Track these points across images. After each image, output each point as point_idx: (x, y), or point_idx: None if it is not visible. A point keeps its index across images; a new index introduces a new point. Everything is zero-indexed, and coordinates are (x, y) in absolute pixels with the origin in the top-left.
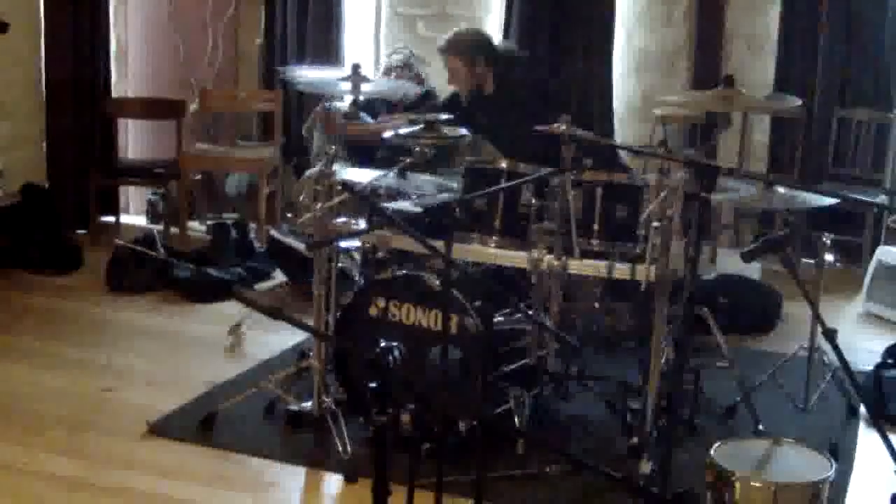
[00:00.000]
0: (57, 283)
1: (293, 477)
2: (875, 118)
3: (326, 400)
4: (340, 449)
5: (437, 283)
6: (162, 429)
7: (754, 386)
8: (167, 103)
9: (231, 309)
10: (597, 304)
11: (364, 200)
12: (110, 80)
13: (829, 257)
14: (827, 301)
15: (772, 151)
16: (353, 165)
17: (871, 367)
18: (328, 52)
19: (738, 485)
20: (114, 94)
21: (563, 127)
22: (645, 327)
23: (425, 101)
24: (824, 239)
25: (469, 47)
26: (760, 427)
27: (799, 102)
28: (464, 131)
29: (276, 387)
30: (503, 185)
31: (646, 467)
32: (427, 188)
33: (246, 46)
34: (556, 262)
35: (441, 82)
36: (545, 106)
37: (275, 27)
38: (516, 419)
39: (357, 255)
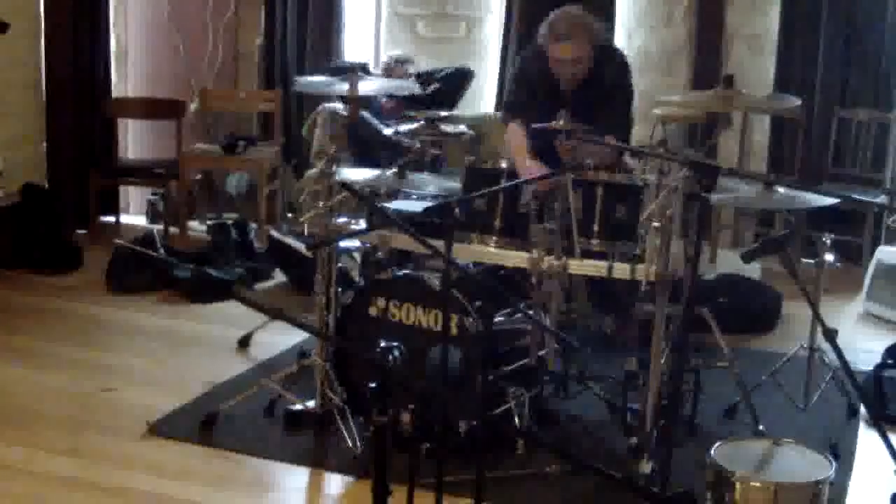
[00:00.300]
0: (57, 283)
1: (293, 477)
2: (875, 118)
3: (333, 397)
4: (350, 444)
5: (437, 283)
6: (162, 429)
7: (754, 386)
8: (167, 103)
9: (231, 309)
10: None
11: (363, 200)
12: (110, 80)
13: (829, 257)
14: (827, 301)
15: (772, 151)
16: (356, 165)
17: (871, 367)
18: (328, 52)
19: (738, 485)
20: (114, 94)
21: (562, 122)
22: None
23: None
24: (824, 239)
25: (597, 33)
26: (760, 427)
27: (799, 102)
28: (463, 128)
29: (279, 386)
30: (503, 185)
31: (646, 467)
32: (428, 187)
33: (246, 46)
34: (556, 262)
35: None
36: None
37: (275, 27)
38: (516, 419)
39: (357, 256)
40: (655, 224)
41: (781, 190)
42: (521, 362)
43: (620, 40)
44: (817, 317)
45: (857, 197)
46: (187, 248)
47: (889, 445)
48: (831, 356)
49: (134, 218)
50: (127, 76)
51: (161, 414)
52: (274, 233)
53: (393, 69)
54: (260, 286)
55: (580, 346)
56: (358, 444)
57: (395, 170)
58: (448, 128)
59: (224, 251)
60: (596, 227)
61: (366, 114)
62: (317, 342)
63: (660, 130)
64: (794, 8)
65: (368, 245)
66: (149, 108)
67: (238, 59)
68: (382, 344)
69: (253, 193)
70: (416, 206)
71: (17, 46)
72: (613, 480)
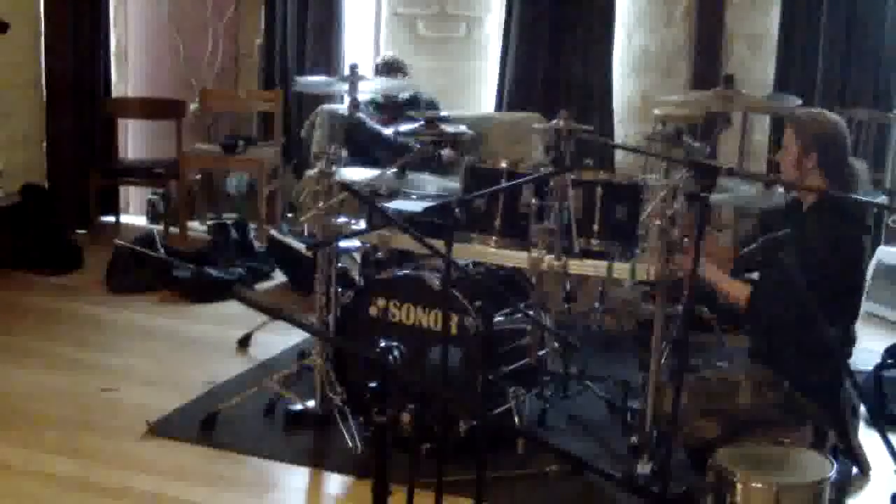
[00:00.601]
0: (57, 283)
1: (293, 477)
2: (875, 118)
3: (333, 397)
4: (351, 445)
5: (437, 283)
6: (162, 429)
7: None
8: (167, 103)
9: (231, 309)
10: (597, 304)
11: (363, 200)
12: (110, 80)
13: None
14: None
15: (772, 151)
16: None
17: (871, 368)
18: (328, 52)
19: (739, 486)
20: (114, 94)
21: (562, 122)
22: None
23: (415, 102)
24: None
25: (813, 136)
26: None
27: (799, 102)
28: (464, 128)
29: (279, 386)
30: (503, 185)
31: (646, 467)
32: (428, 187)
33: (246, 46)
34: (556, 262)
35: (421, 83)
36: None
37: (275, 27)
38: (516, 419)
39: (357, 256)
40: (657, 222)
41: (781, 190)
42: (521, 362)
43: (620, 40)
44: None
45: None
46: (187, 248)
47: (889, 445)
48: None
49: (134, 218)
50: (127, 76)
51: (161, 414)
52: (274, 233)
53: (383, 73)
54: (260, 286)
55: (580, 346)
56: (358, 444)
57: (395, 170)
58: (449, 128)
59: (224, 251)
60: (596, 227)
61: (363, 115)
62: (317, 342)
63: (660, 130)
64: (794, 8)
65: (368, 245)
66: (149, 108)
67: (238, 59)
68: (382, 344)
69: (253, 193)
70: (416, 206)
71: (17, 46)
72: (613, 480)
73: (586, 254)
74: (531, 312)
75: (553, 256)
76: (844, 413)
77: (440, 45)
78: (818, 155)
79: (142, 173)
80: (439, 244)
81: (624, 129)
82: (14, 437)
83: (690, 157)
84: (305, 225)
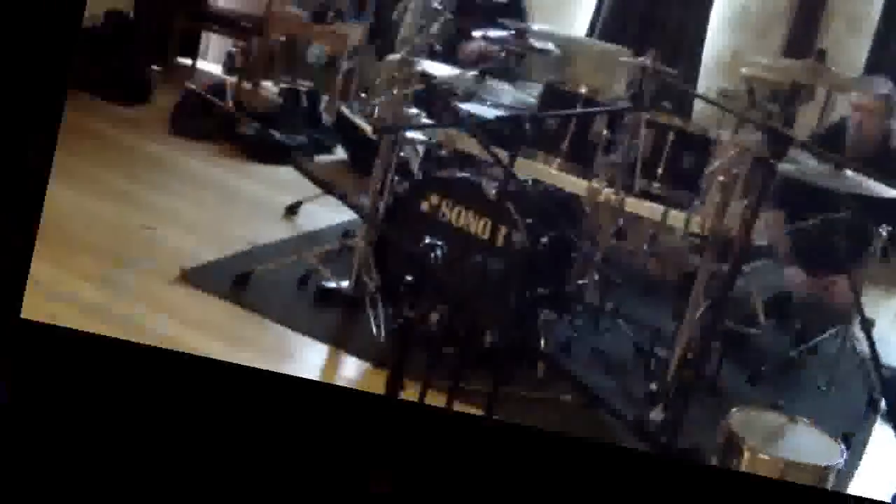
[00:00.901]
0: (121, 113)
1: (313, 352)
2: None
3: (368, 282)
4: (375, 332)
5: (494, 192)
6: (193, 277)
7: (783, 359)
8: None
9: (287, 175)
10: (645, 247)
11: (439, 96)
12: None
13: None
14: (871, 291)
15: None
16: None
17: None
18: None
19: (746, 453)
20: None
21: (649, 61)
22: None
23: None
24: (880, 230)
25: None
26: (780, 402)
27: (891, 86)
28: (551, 45)
29: (317, 260)
30: (577, 109)
31: (658, 415)
32: (504, 97)
33: None
34: (613, 197)
35: None
36: None
37: None
38: (542, 342)
39: (420, 149)
40: (720, 178)
41: (850, 173)
42: (558, 287)
43: None
44: (858, 304)
45: None
46: (256, 106)
47: None
48: (863, 346)
49: (210, 65)
50: None
51: (196, 262)
52: (344, 109)
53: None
54: (320, 158)
55: (620, 283)
56: (382, 332)
57: (476, 72)
58: (537, 43)
59: (291, 117)
60: (660, 171)
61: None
62: (363, 225)
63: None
64: None
65: (433, 141)
66: None
67: None
68: (427, 240)
69: (331, 66)
70: (488, 112)
71: None
72: (623, 421)
73: (645, 195)
74: (579, 240)
75: (612, 190)
76: None
77: None
78: None
79: (227, 23)
80: (503, 154)
81: (707, 81)
82: (44, 253)
83: (768, 121)
84: (376, 108)
